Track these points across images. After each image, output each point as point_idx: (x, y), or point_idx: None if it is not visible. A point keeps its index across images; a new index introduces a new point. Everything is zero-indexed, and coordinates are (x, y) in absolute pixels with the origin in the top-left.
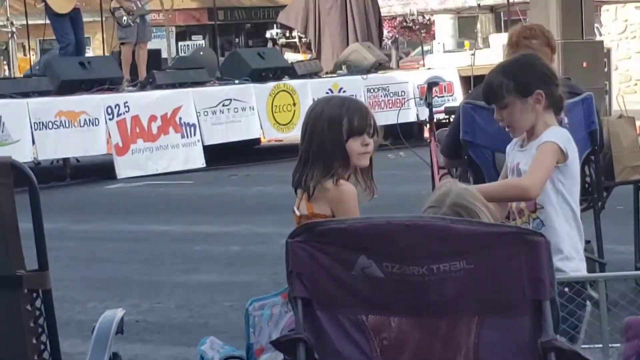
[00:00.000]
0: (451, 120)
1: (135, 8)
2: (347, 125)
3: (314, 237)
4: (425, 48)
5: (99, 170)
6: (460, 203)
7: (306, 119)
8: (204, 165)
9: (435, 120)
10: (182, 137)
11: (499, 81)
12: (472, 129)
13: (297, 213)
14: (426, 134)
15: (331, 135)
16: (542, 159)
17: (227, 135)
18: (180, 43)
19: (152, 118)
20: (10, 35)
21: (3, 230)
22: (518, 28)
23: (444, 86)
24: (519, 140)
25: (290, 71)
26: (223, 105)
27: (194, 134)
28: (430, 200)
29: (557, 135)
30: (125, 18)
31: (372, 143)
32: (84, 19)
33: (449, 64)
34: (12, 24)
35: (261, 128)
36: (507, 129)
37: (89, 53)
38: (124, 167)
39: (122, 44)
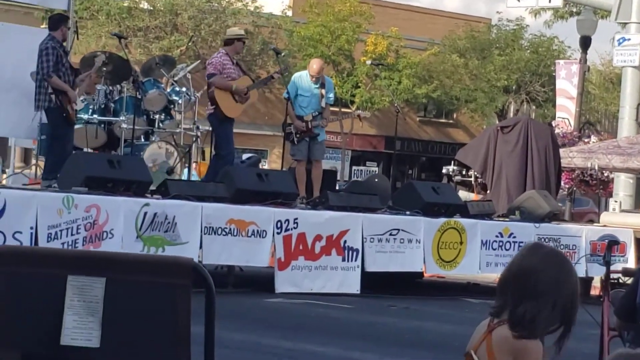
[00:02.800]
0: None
1: (305, 129)
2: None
3: None
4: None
5: (260, 282)
6: None
7: (531, 273)
8: (358, 291)
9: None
10: (343, 260)
11: None
12: None
13: (475, 357)
14: (593, 292)
15: (573, 301)
16: None
17: (388, 265)
18: (354, 167)
19: (318, 237)
20: (194, 139)
21: (176, 332)
22: None
23: (617, 246)
24: None
25: (462, 209)
26: (390, 234)
27: (355, 259)
28: None
29: None
30: (292, 135)
31: None
32: (264, 132)
33: (625, 224)
34: (197, 128)
35: (424, 262)
36: None
37: (265, 165)
38: (282, 282)
39: (294, 160)
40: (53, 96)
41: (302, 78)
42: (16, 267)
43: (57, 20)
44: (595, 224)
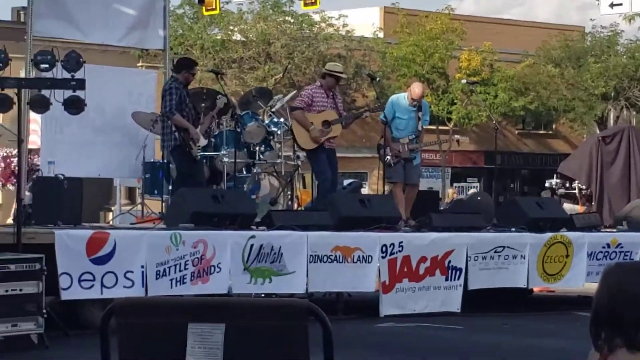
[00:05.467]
0: None
1: (400, 151)
2: None
3: None
4: None
5: (369, 306)
6: None
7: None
8: (459, 310)
9: None
10: (446, 279)
11: None
12: None
13: None
14: None
15: None
16: None
17: (491, 281)
18: (455, 184)
19: (422, 259)
20: (295, 168)
21: None
22: None
23: None
24: None
25: (568, 223)
26: (495, 251)
27: (458, 278)
28: None
29: None
30: (388, 158)
31: None
32: (363, 155)
33: None
34: (297, 157)
35: (527, 277)
36: None
37: (365, 189)
38: (387, 305)
39: (391, 183)
40: (177, 134)
41: (400, 100)
42: (136, 319)
43: (181, 65)
44: None
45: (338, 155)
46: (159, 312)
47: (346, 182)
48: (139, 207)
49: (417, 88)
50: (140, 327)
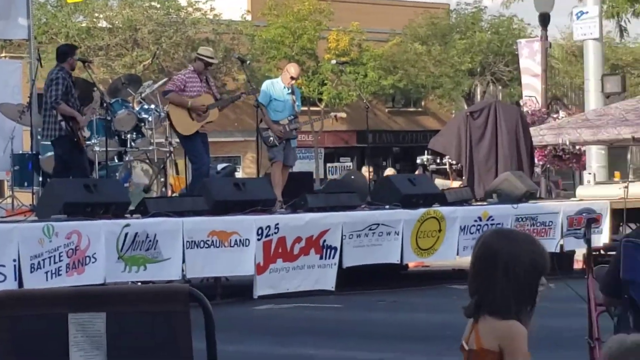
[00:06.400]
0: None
1: (283, 131)
2: (542, 266)
3: None
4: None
5: (247, 290)
6: None
7: (492, 253)
8: (333, 288)
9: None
10: (321, 258)
11: None
12: (633, 267)
13: (466, 347)
14: (576, 265)
15: (530, 279)
16: None
17: (365, 258)
18: (328, 164)
19: (297, 239)
20: (167, 155)
21: (179, 357)
22: None
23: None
24: None
25: (440, 198)
26: (369, 229)
27: (333, 257)
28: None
29: None
30: (272, 138)
31: (545, 281)
32: (236, 138)
33: (600, 196)
34: (170, 143)
35: (402, 252)
36: None
37: (239, 172)
38: (261, 286)
39: (272, 163)
40: (63, 123)
41: (275, 85)
42: (16, 311)
43: (64, 53)
44: (571, 199)
45: (210, 140)
46: (37, 304)
47: (220, 166)
48: (9, 200)
49: (292, 67)
50: (19, 320)
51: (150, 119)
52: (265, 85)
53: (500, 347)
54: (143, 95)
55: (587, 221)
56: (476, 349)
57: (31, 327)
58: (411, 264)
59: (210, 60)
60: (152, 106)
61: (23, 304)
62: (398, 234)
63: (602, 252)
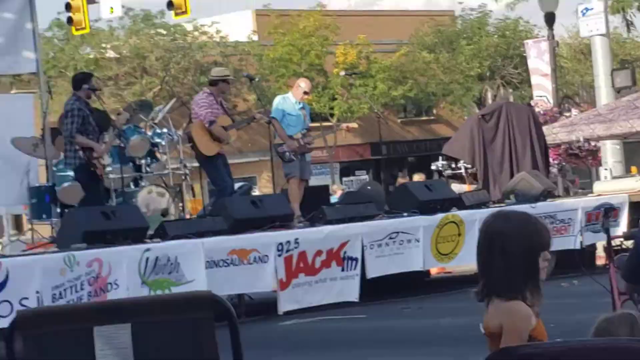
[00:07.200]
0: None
1: (297, 145)
2: (538, 243)
3: None
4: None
5: (272, 307)
6: None
7: (489, 235)
8: (357, 299)
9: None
10: (342, 270)
11: None
12: None
13: (482, 330)
14: (599, 262)
15: (527, 256)
16: None
17: (388, 268)
18: (344, 178)
19: (318, 253)
20: (183, 178)
21: None
22: None
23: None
24: None
25: (457, 202)
26: (390, 237)
27: (355, 268)
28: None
29: None
30: (288, 154)
31: (549, 256)
32: (250, 159)
33: (618, 190)
34: (185, 166)
35: (423, 259)
36: None
37: (255, 192)
38: (285, 302)
39: (289, 179)
40: (81, 152)
41: (286, 100)
42: (42, 328)
43: (79, 80)
44: (589, 195)
45: None
46: (63, 319)
47: (236, 186)
48: (29, 233)
49: (304, 82)
50: (46, 337)
51: (163, 142)
52: (277, 100)
53: (502, 328)
54: (156, 120)
55: (605, 210)
56: (485, 332)
57: (58, 343)
58: (433, 271)
59: (227, 78)
60: (165, 130)
61: (48, 321)
62: (418, 241)
63: (622, 241)
